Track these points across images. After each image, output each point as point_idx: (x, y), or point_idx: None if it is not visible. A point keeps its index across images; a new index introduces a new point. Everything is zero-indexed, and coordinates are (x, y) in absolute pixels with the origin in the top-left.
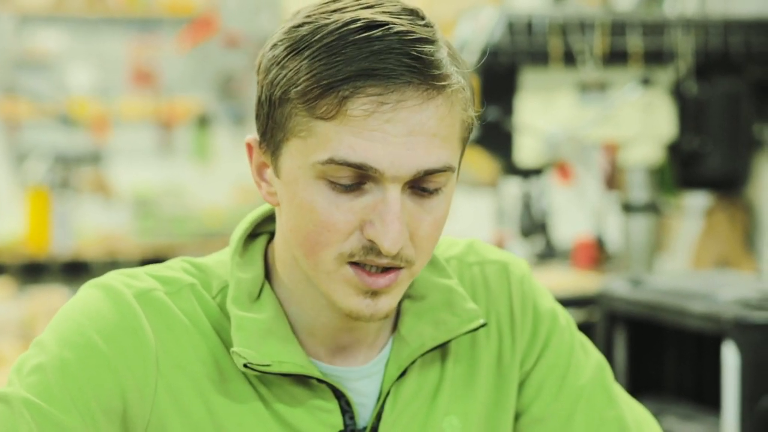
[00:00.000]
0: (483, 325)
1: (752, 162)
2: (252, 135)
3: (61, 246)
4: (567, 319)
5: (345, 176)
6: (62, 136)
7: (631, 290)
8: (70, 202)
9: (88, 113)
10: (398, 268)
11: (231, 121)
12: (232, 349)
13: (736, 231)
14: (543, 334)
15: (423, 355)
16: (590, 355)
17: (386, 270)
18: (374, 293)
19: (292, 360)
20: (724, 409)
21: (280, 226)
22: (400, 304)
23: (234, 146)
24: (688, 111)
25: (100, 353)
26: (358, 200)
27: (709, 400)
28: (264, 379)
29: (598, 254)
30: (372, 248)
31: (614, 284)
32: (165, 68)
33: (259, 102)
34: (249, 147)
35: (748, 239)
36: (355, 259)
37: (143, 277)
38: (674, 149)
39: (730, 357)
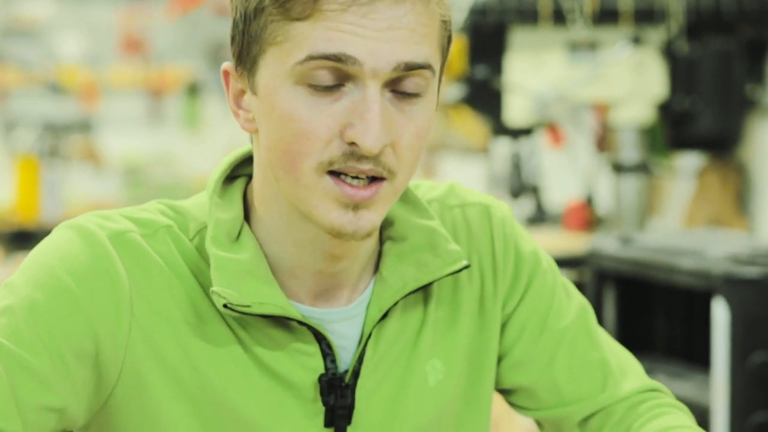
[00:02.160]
0: (466, 267)
1: (744, 122)
2: (228, 62)
3: (50, 214)
4: (549, 261)
5: (324, 75)
6: (51, 105)
7: (620, 248)
8: (60, 171)
9: (77, 81)
10: (380, 180)
11: (221, 89)
12: (211, 289)
13: (728, 192)
14: (525, 277)
15: (405, 297)
16: (573, 297)
17: (368, 184)
18: (356, 207)
19: (273, 301)
20: (713, 366)
21: (258, 157)
22: (381, 245)
23: (224, 114)
24: (680, 71)
25: (71, 295)
26: (338, 103)
27: (698, 358)
28: (243, 322)
29: (588, 216)
30: (353, 153)
31: (604, 243)
32: (155, 36)
33: (234, 23)
34: (225, 74)
35: (740, 200)
36: (335, 167)
37: (118, 218)
38: (665, 109)
39: (720, 313)
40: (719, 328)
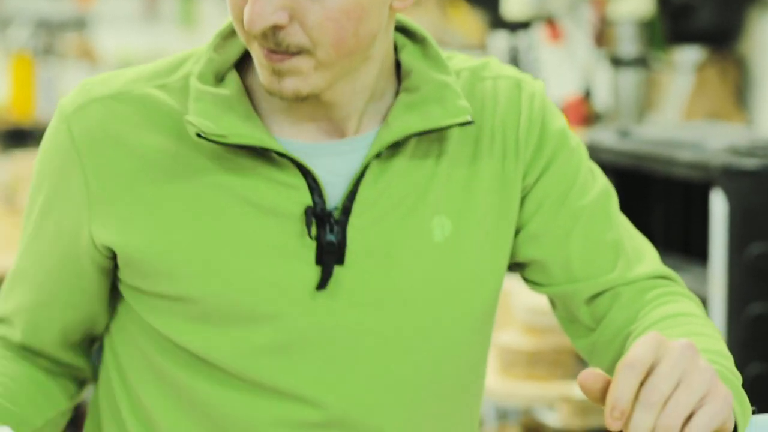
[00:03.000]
0: (469, 123)
1: (745, 15)
2: None
3: (45, 112)
4: (578, 142)
5: None
6: (46, 2)
7: (618, 141)
8: (55, 68)
9: None
10: (295, 54)
11: None
12: (185, 117)
13: (727, 86)
14: (548, 151)
15: (409, 138)
16: (598, 180)
17: (289, 54)
18: (279, 73)
19: (251, 133)
20: (711, 258)
21: None
22: (396, 96)
23: (220, 13)
24: None
25: (49, 203)
26: None
27: (696, 250)
28: (224, 158)
29: (587, 111)
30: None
31: (602, 136)
32: None
33: None
34: None
35: (739, 94)
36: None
37: (100, 85)
38: (664, 2)
39: (718, 205)
40: (717, 219)
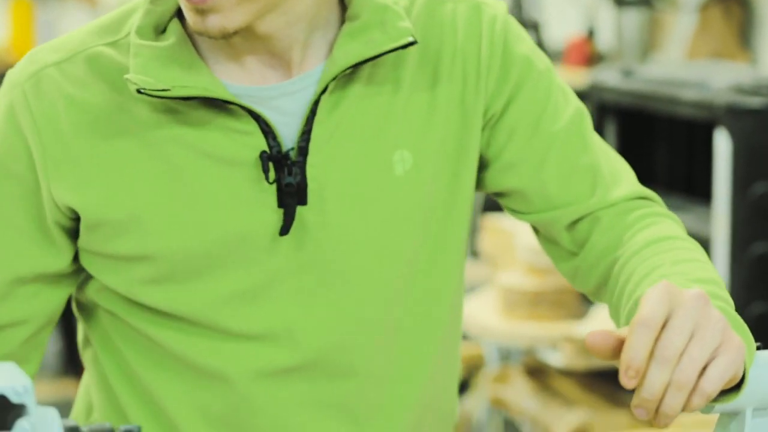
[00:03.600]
0: (412, 44)
1: None
2: None
3: None
4: (546, 64)
5: None
6: None
7: (622, 81)
8: (55, 11)
9: None
10: None
11: None
12: (125, 76)
13: (731, 26)
14: (513, 78)
15: (354, 68)
16: (569, 101)
17: None
18: (201, 11)
19: (195, 84)
20: (715, 197)
21: None
22: (339, 27)
23: None
24: None
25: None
26: None
27: (699, 190)
28: (176, 110)
29: (590, 51)
30: None
31: (605, 76)
32: None
33: None
34: None
35: (743, 34)
36: None
37: (47, 52)
38: None
39: (722, 144)
40: (721, 159)
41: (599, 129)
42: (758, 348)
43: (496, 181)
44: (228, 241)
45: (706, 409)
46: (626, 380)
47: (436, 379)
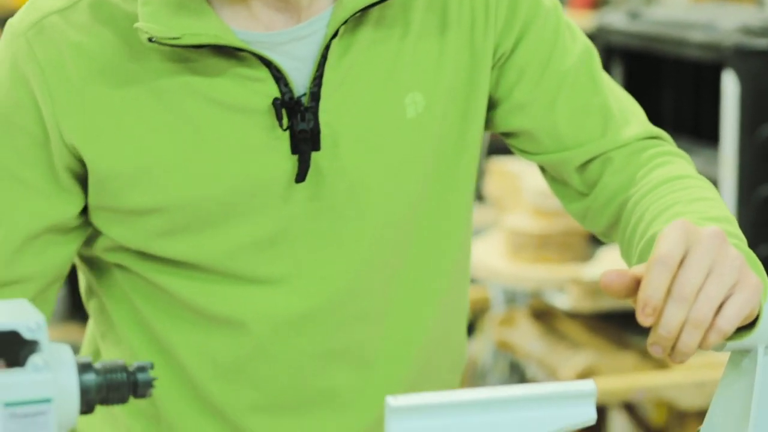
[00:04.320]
0: None
1: None
2: None
3: None
4: (554, 2)
5: None
6: None
7: (628, 23)
8: None
9: None
10: None
11: None
12: (135, 25)
13: None
14: (522, 16)
15: (366, 10)
16: (577, 39)
17: None
18: None
19: (206, 31)
20: (722, 140)
21: None
22: None
23: None
24: None
25: (5, 120)
26: None
27: (706, 133)
28: (185, 57)
29: None
30: None
31: (611, 17)
32: None
33: None
34: None
35: None
36: None
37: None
38: None
39: (730, 86)
40: (728, 100)
41: (606, 72)
42: None
43: (505, 121)
44: (243, 189)
45: (719, 347)
46: (643, 318)
47: (446, 321)
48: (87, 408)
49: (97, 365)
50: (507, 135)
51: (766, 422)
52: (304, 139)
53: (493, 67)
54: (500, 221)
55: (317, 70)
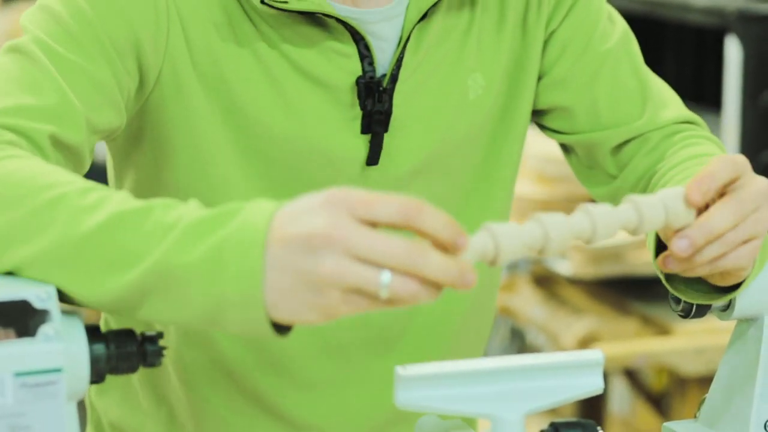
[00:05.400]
0: None
1: None
2: None
3: None
4: None
5: None
6: None
7: None
8: None
9: None
10: None
11: None
12: None
13: None
14: None
15: None
16: (617, 23)
17: None
18: None
19: None
20: (724, 105)
21: None
22: None
23: None
24: None
25: (111, 1)
26: None
27: (709, 98)
28: (277, 23)
29: None
30: None
31: None
32: None
33: None
34: None
35: None
36: None
37: None
38: None
39: (733, 51)
40: (731, 66)
41: None
42: None
43: (545, 96)
44: (316, 161)
45: (725, 315)
46: (697, 195)
47: (481, 295)
48: (97, 377)
49: (107, 334)
50: (543, 113)
51: None
52: (378, 120)
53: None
54: None
55: (400, 52)
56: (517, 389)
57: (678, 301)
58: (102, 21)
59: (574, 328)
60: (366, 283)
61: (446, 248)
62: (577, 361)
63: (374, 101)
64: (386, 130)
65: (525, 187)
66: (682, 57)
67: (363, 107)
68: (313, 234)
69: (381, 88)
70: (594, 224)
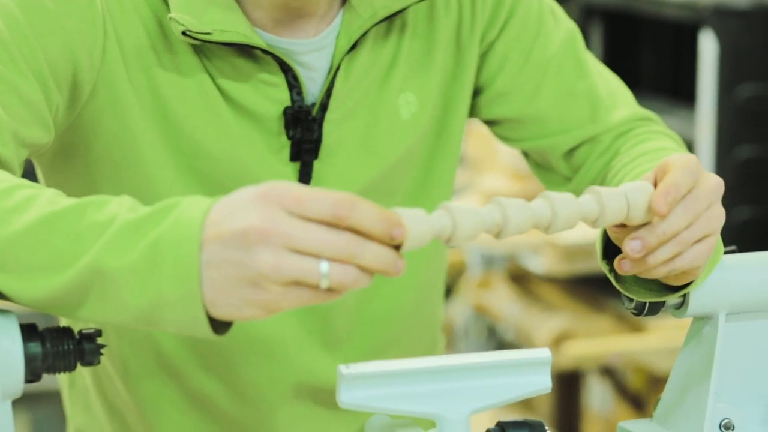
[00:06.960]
0: None
1: None
2: None
3: None
4: None
5: None
6: None
7: None
8: None
9: None
10: None
11: None
12: (169, 15)
13: None
14: (507, 4)
15: (376, 25)
16: (560, 23)
17: None
18: None
19: (235, 28)
20: (699, 99)
21: None
22: None
23: None
24: None
25: (48, 13)
26: None
27: (684, 93)
28: (208, 52)
29: None
30: None
31: None
32: None
33: None
34: None
35: None
36: None
37: None
38: None
39: (708, 45)
40: (707, 60)
41: (585, 32)
42: (732, 251)
43: (488, 109)
44: (248, 185)
45: (679, 313)
46: (663, 206)
47: (423, 290)
48: (33, 376)
49: (43, 332)
50: (490, 123)
51: (727, 389)
52: (308, 149)
53: (480, 55)
54: (477, 183)
55: (330, 81)
56: (462, 388)
57: (631, 298)
58: (37, 34)
59: (548, 325)
60: (306, 275)
61: (384, 241)
62: (525, 359)
63: (303, 130)
64: (316, 158)
65: (499, 182)
66: (658, 51)
67: (290, 137)
68: (248, 229)
69: (310, 118)
70: (554, 211)
